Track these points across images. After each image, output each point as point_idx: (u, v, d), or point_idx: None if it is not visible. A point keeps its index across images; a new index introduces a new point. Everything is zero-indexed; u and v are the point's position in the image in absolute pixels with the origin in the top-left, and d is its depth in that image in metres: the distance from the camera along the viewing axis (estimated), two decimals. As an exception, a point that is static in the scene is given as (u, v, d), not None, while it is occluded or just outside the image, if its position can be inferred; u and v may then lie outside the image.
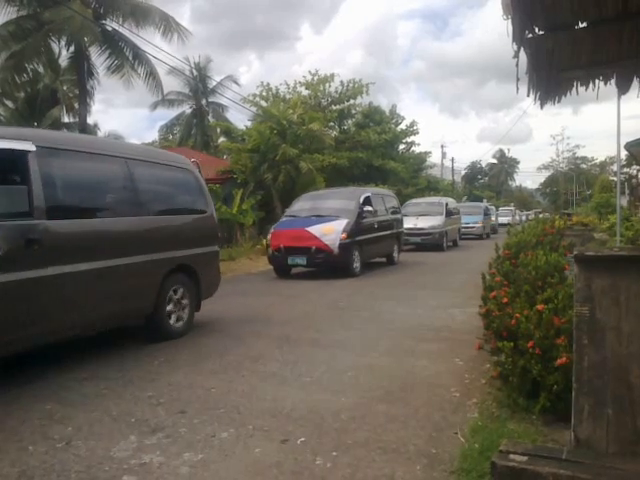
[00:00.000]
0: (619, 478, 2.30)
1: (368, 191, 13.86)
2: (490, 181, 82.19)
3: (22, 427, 3.60)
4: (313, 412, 3.78)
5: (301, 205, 13.43)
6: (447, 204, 21.04)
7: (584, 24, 3.71)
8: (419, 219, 19.55)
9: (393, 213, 14.83)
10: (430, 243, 19.18)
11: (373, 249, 13.13)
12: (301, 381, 4.52)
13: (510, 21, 3.21)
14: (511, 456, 2.42)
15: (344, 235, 11.47)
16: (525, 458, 2.40)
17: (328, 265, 11.75)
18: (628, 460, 2.44)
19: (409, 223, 18.90)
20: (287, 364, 4.99)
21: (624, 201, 18.86)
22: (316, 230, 11.58)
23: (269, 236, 12.63)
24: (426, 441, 3.29)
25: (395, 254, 14.64)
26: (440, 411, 3.78)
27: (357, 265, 12.00)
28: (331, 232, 11.46)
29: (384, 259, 14.41)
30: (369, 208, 12.60)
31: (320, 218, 12.09)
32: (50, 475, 2.93)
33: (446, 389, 4.24)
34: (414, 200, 23.05)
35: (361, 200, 12.66)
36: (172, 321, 6.13)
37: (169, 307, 6.06)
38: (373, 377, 4.59)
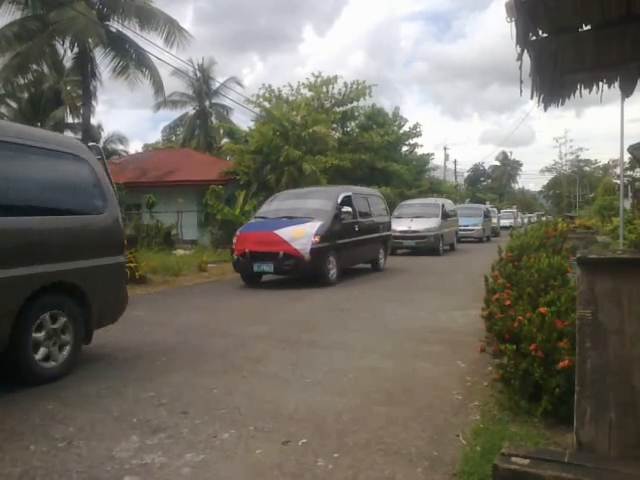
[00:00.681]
0: (621, 482, 2.29)
1: (348, 190, 12.74)
2: (493, 183, 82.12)
3: (23, 427, 3.60)
4: (314, 414, 3.77)
5: (273, 205, 12.34)
6: (443, 205, 20.16)
7: (588, 27, 3.71)
8: (413, 221, 18.70)
9: (379, 215, 13.73)
10: (425, 247, 18.31)
11: (354, 254, 12.05)
12: (302, 382, 4.52)
13: (514, 23, 3.21)
14: (513, 459, 2.42)
15: (317, 239, 10.35)
16: (527, 461, 2.39)
17: (298, 272, 10.64)
18: (630, 464, 2.43)
19: (403, 225, 18.36)
20: (288, 365, 4.99)
21: (627, 204, 18.84)
22: (285, 233, 10.45)
23: (234, 240, 11.45)
24: (427, 443, 3.28)
25: (381, 260, 13.55)
26: (442, 413, 3.78)
27: (333, 272, 10.85)
28: (302, 235, 10.34)
29: (369, 265, 13.38)
30: (348, 209, 11.46)
31: (291, 220, 10.97)
32: (52, 475, 2.93)
33: (448, 391, 4.23)
34: (408, 201, 22.13)
35: (339, 200, 11.56)
36: (40, 358, 4.50)
37: (36, 340, 4.47)
38: (374, 379, 4.59)
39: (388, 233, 14.22)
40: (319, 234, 10.44)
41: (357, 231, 11.89)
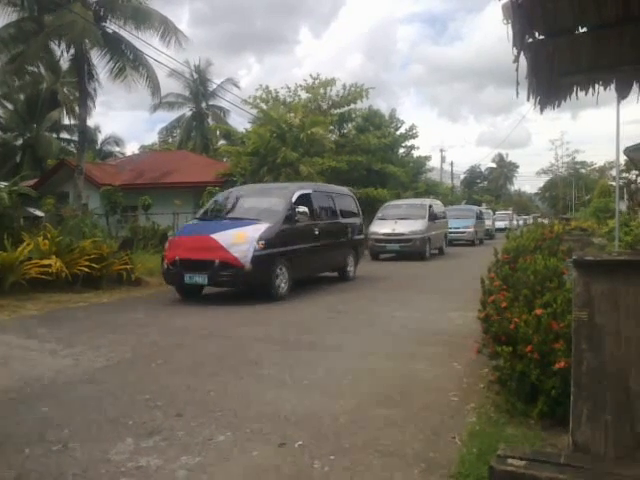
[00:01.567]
0: (618, 483, 2.29)
1: (307, 187, 11.07)
2: (489, 185, 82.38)
3: (19, 430, 3.58)
4: (311, 416, 3.77)
5: (219, 204, 10.87)
6: (431, 206, 18.97)
7: (584, 29, 3.72)
8: (398, 223, 17.37)
9: (348, 216, 12.12)
10: (410, 251, 16.92)
11: (312, 262, 10.46)
12: (299, 385, 4.51)
13: (510, 25, 3.21)
14: (509, 461, 2.41)
15: (261, 244, 8.75)
16: (523, 463, 2.39)
17: (238, 284, 9.11)
18: (626, 465, 2.43)
19: (386, 228, 17.27)
20: (285, 367, 4.99)
21: (623, 206, 18.89)
22: (224, 238, 8.81)
23: (166, 245, 9.97)
24: (424, 445, 3.28)
25: (350, 267, 11.90)
26: (438, 415, 3.77)
27: (283, 285, 9.20)
28: (243, 240, 8.71)
29: (336, 273, 11.82)
30: (304, 209, 9.81)
31: (235, 222, 9.48)
32: (47, 478, 2.91)
33: (444, 393, 4.23)
34: (393, 202, 20.81)
35: (294, 199, 9.90)
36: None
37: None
38: (371, 381, 4.58)
39: (360, 237, 12.77)
40: (264, 239, 8.85)
41: (317, 235, 10.34)
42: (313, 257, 10.34)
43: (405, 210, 18.64)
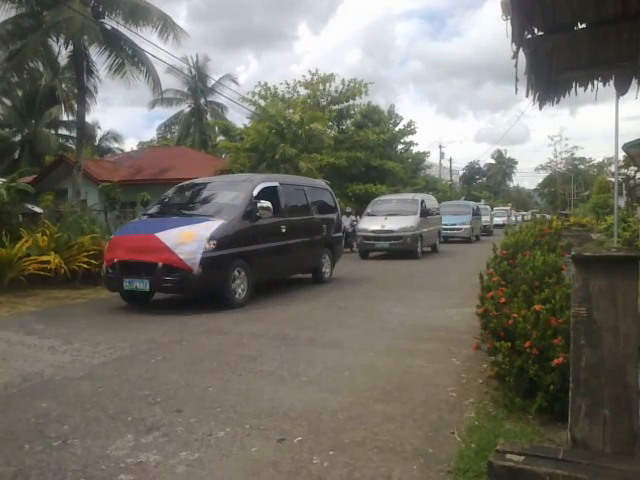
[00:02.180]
0: (615, 478, 2.30)
1: (273, 179, 9.92)
2: (488, 181, 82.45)
3: (18, 426, 3.59)
4: (310, 411, 3.78)
5: (171, 198, 9.74)
6: (423, 201, 17.89)
7: (583, 25, 3.71)
8: (388, 219, 16.38)
9: (323, 211, 11.01)
10: (401, 249, 16.03)
11: (279, 264, 9.38)
12: (298, 380, 4.51)
13: (509, 22, 3.21)
14: (508, 456, 2.42)
15: (212, 244, 7.63)
16: (522, 458, 2.40)
17: (185, 290, 7.83)
18: (624, 460, 2.44)
19: (376, 224, 16.39)
20: (284, 363, 4.99)
21: (622, 202, 18.90)
22: (169, 237, 7.65)
23: (106, 245, 9.02)
24: (423, 441, 3.29)
25: (325, 269, 10.80)
26: (437, 411, 3.78)
27: (240, 290, 8.04)
28: (191, 239, 7.59)
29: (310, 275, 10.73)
30: (266, 204, 8.60)
31: (184, 219, 8.44)
32: (46, 474, 2.92)
33: (443, 389, 4.24)
34: (383, 197, 19.96)
35: (255, 192, 8.77)
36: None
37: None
38: (370, 376, 4.59)
39: (337, 235, 11.53)
40: (216, 238, 7.73)
41: (285, 233, 9.28)
42: (279, 258, 9.28)
43: (395, 205, 17.70)
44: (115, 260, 7.98)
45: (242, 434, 3.41)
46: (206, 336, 6.21)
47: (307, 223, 10.27)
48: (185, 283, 7.53)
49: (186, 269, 7.45)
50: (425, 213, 17.39)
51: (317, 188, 11.31)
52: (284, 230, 9.26)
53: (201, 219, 8.19)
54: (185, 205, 9.27)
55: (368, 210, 18.06)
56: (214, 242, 7.69)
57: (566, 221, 23.45)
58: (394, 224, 16.14)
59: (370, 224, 16.63)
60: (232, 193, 8.93)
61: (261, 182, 9.26)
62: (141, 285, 7.68)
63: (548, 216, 25.94)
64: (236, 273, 8.00)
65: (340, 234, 11.84)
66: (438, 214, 19.66)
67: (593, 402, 2.56)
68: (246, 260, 8.22)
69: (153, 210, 9.45)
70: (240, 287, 8.08)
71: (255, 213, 8.52)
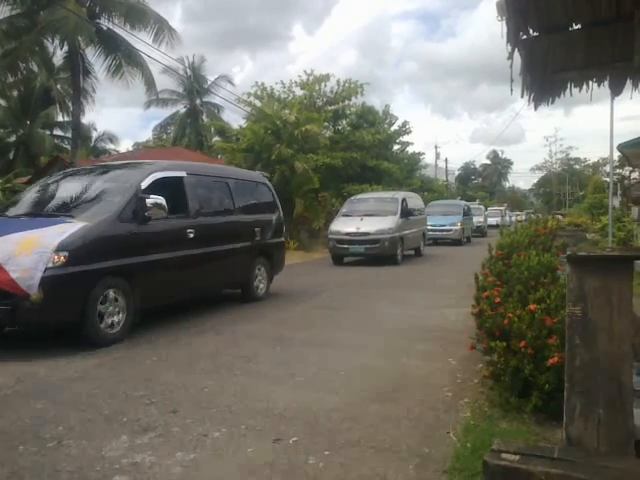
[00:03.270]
0: (610, 477, 2.31)
1: (176, 168, 7.45)
2: (484, 182, 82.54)
3: (13, 427, 3.57)
4: (306, 412, 3.77)
5: (30, 193, 7.40)
6: (404, 200, 15.86)
7: (578, 26, 3.73)
8: (364, 220, 14.59)
9: (256, 211, 8.89)
10: (377, 254, 14.17)
11: (183, 281, 7.05)
12: (294, 381, 4.51)
13: (504, 22, 3.22)
14: (503, 455, 2.43)
15: (62, 257, 5.39)
16: (517, 457, 2.40)
17: (21, 322, 5.64)
18: (619, 459, 2.45)
19: (350, 226, 14.47)
20: (280, 364, 4.99)
21: (616, 202, 18.98)
22: (2, 246, 5.39)
23: None
24: (419, 440, 3.29)
25: (259, 282, 8.67)
26: (433, 411, 3.79)
27: (114, 321, 5.85)
28: (31, 251, 5.34)
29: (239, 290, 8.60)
30: (159, 201, 6.36)
31: (31, 220, 6.15)
32: (41, 475, 2.91)
33: (439, 389, 4.25)
34: (360, 195, 18.07)
35: (144, 185, 6.51)
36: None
37: None
38: (366, 377, 4.59)
39: (277, 240, 9.31)
40: (69, 248, 5.48)
41: (193, 239, 7.06)
42: (183, 273, 6.99)
43: (373, 205, 15.74)
44: None
45: (238, 434, 3.41)
46: (202, 336, 6.19)
47: (230, 226, 8.10)
48: (19, 313, 5.29)
49: (20, 293, 5.22)
50: (407, 213, 15.59)
51: (248, 181, 9.12)
52: (192, 235, 7.05)
53: (53, 221, 5.90)
54: (47, 200, 6.93)
55: (343, 210, 16.32)
56: (64, 254, 5.42)
57: (561, 221, 23.44)
58: (370, 226, 14.32)
59: (344, 226, 14.78)
60: (113, 185, 6.70)
61: (155, 171, 6.91)
62: None
63: (533, 216, 25.80)
64: (110, 296, 5.83)
65: (281, 239, 9.63)
66: (422, 214, 17.93)
67: (588, 401, 2.57)
68: (126, 278, 6.05)
69: (15, 207, 6.95)
70: (114, 317, 5.86)
71: (143, 212, 6.26)
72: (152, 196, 6.38)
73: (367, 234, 14.14)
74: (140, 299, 6.25)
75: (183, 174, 7.34)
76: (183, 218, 7.12)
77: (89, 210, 6.20)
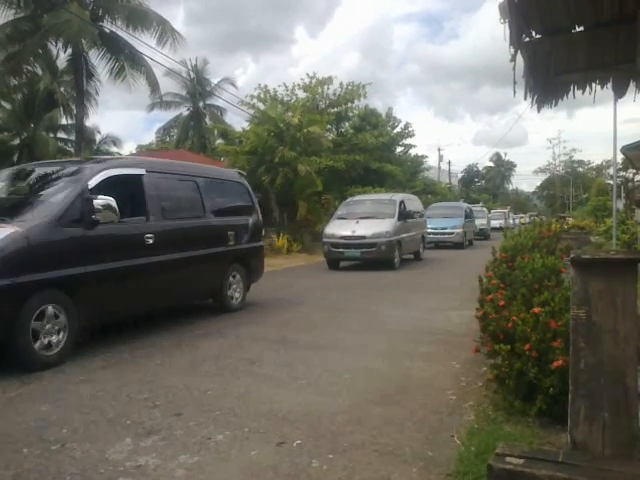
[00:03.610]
0: (615, 481, 2.30)
1: (133, 164, 6.76)
2: (487, 184, 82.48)
3: (17, 429, 3.58)
4: (309, 415, 3.77)
5: None
6: (402, 202, 15.30)
7: (581, 28, 3.74)
8: (360, 224, 14.07)
9: (229, 213, 8.12)
10: (374, 258, 13.62)
11: (140, 293, 6.29)
12: (297, 384, 4.51)
13: (507, 25, 3.22)
14: (507, 459, 2.42)
15: None
16: (521, 461, 2.39)
17: None
18: (624, 463, 2.44)
19: (346, 230, 13.94)
20: (283, 366, 4.99)
21: (620, 204, 18.94)
22: None
23: None
24: (422, 444, 3.28)
25: (233, 292, 7.92)
26: (436, 414, 3.78)
27: (52, 341, 5.06)
28: None
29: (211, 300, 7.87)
30: (109, 202, 5.61)
31: None
32: (45, 478, 2.91)
33: (442, 392, 4.24)
34: (357, 197, 17.57)
35: (92, 183, 5.73)
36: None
37: None
38: (369, 379, 4.58)
39: (255, 244, 8.53)
40: None
41: (152, 245, 6.30)
42: (140, 283, 6.25)
43: (370, 207, 15.18)
44: None
45: (241, 437, 3.41)
46: (205, 339, 6.20)
47: (198, 230, 7.37)
48: None
49: None
50: (405, 216, 15.01)
51: (221, 180, 8.25)
52: (152, 241, 6.29)
53: None
54: None
55: (339, 212, 15.80)
56: None
57: (565, 224, 23.37)
58: (366, 229, 13.78)
59: (339, 229, 14.22)
60: (58, 184, 5.91)
61: (107, 168, 6.12)
62: None
63: (537, 219, 25.65)
64: (48, 312, 5.05)
65: (260, 243, 8.81)
66: (422, 217, 17.41)
67: (592, 405, 2.56)
68: (67, 291, 5.26)
69: None
70: (52, 336, 5.08)
71: (89, 215, 5.51)
72: (100, 197, 5.62)
73: (363, 237, 13.68)
74: (86, 315, 5.42)
75: (141, 172, 6.54)
76: (140, 222, 6.36)
77: (26, 213, 5.44)
